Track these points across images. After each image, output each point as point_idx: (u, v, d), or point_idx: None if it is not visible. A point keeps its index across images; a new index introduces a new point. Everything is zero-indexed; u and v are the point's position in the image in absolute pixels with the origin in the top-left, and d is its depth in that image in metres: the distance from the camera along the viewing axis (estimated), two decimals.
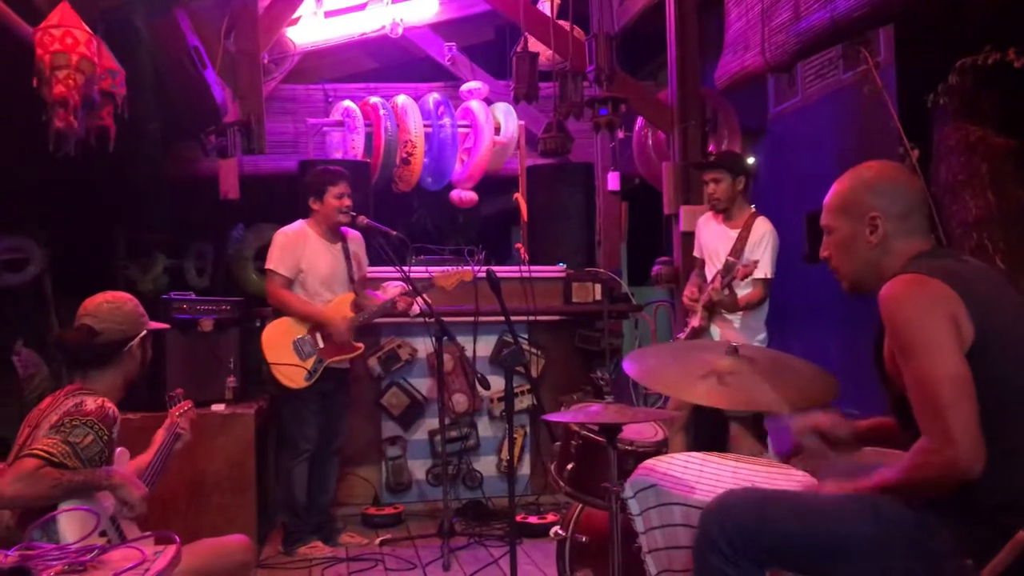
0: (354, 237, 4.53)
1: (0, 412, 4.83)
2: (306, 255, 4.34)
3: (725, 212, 4.53)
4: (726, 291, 4.35)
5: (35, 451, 2.37)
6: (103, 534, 2.42)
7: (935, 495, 1.87)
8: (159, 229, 6.47)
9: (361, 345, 4.41)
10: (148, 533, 2.47)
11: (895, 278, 1.97)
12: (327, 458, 4.49)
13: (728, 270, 4.36)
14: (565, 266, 5.60)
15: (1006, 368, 1.88)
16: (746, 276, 4.21)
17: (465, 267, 4.59)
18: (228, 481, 4.20)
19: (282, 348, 4.25)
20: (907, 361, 1.89)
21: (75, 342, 2.68)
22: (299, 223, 4.42)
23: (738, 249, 4.40)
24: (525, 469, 5.36)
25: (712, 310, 4.45)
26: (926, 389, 1.84)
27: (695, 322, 4.47)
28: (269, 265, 4.33)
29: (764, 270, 4.33)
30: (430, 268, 4.58)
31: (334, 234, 4.43)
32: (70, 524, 2.32)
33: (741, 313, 4.43)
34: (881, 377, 2.07)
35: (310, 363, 4.26)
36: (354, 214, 4.36)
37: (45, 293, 5.80)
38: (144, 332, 2.78)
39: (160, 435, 2.87)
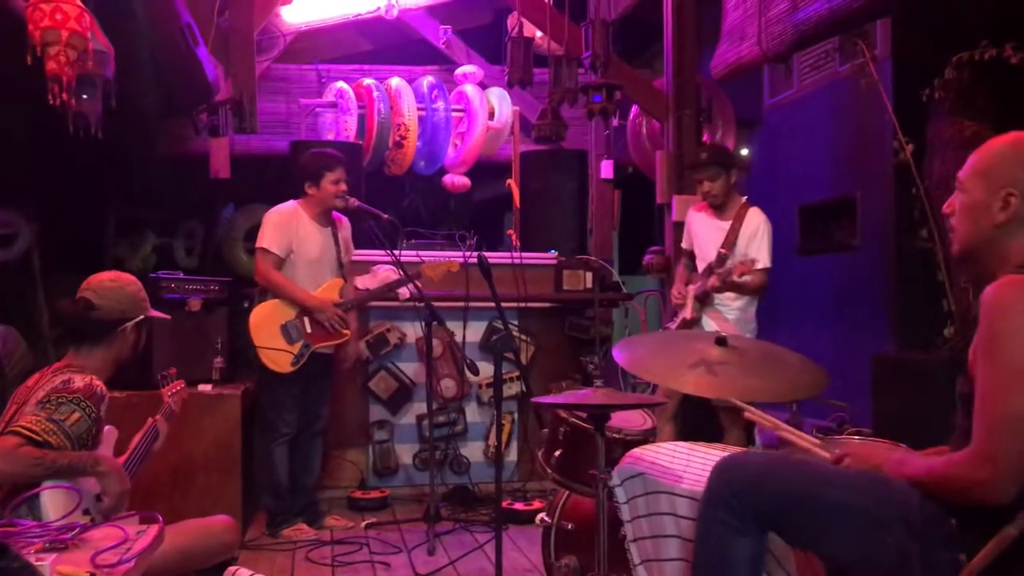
0: (343, 224, 4.51)
1: None
2: (298, 236, 4.31)
3: (718, 206, 4.51)
4: (712, 289, 4.34)
5: (16, 428, 2.35)
6: (86, 512, 2.40)
7: (947, 500, 1.80)
8: (149, 208, 6.43)
9: (348, 332, 4.38)
10: (132, 512, 2.45)
11: (1011, 278, 1.78)
12: (309, 440, 4.47)
13: (721, 262, 4.34)
14: (556, 253, 5.60)
15: None
16: (743, 274, 4.18)
17: (453, 257, 4.58)
18: (214, 462, 4.18)
19: (270, 331, 4.23)
20: (989, 372, 1.75)
21: (71, 313, 2.66)
22: (291, 203, 4.39)
23: (730, 241, 4.39)
24: (512, 455, 5.36)
25: (704, 301, 4.44)
26: (996, 410, 1.71)
27: (687, 314, 4.46)
28: (261, 243, 4.29)
29: (763, 260, 4.32)
30: (421, 252, 4.56)
31: (326, 218, 4.40)
32: (53, 502, 2.30)
33: (735, 305, 4.41)
34: (963, 376, 1.93)
35: (297, 348, 4.24)
36: (347, 196, 4.33)
37: (33, 269, 5.76)
38: (141, 317, 2.76)
39: (137, 438, 2.84)
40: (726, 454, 2.52)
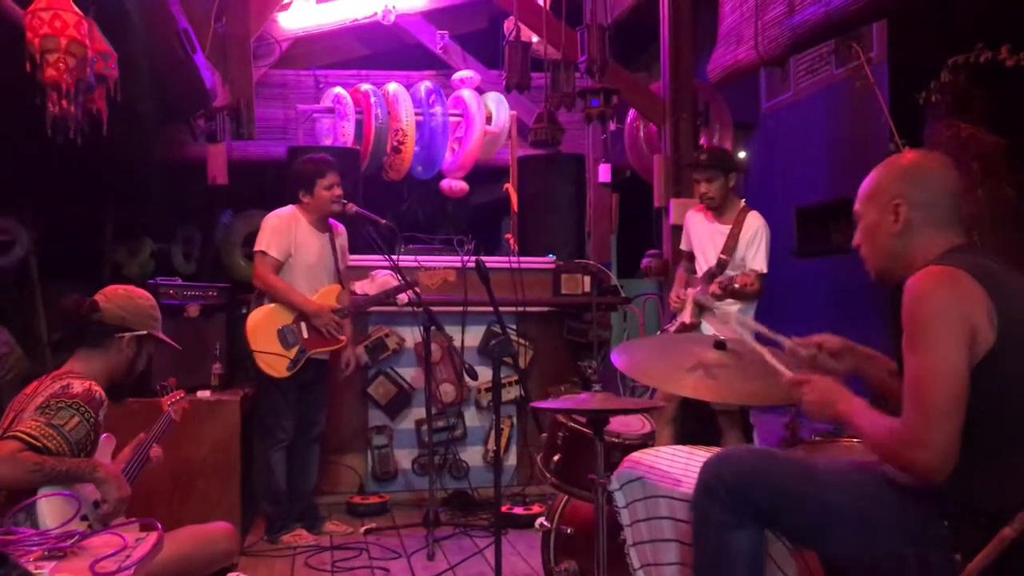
0: (340, 230, 4.51)
1: None
2: (296, 241, 4.30)
3: (716, 209, 4.51)
4: (714, 298, 4.34)
5: (16, 433, 2.35)
6: (84, 519, 2.40)
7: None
8: (147, 213, 6.43)
9: (344, 338, 4.38)
10: (131, 519, 2.45)
11: (926, 268, 1.90)
12: (307, 446, 4.46)
13: (721, 268, 4.35)
14: (555, 257, 5.59)
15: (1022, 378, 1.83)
16: (744, 286, 4.17)
17: (451, 262, 4.57)
18: (212, 468, 4.18)
19: (266, 336, 4.22)
20: (911, 355, 1.84)
21: (73, 310, 2.67)
22: (290, 208, 4.38)
23: (730, 246, 4.39)
24: (511, 460, 5.35)
25: (704, 306, 4.43)
26: (921, 389, 1.81)
27: (685, 318, 4.46)
28: (260, 247, 4.27)
29: (761, 267, 4.32)
30: (419, 257, 4.56)
31: (323, 224, 4.40)
32: (51, 509, 2.30)
33: (733, 309, 4.41)
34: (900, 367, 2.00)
35: (293, 352, 4.23)
36: (344, 202, 4.33)
37: (31, 276, 5.76)
38: (143, 332, 2.75)
39: (127, 452, 2.84)
40: None
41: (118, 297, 2.73)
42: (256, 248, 4.31)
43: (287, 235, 4.28)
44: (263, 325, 4.23)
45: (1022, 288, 1.91)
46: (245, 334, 4.23)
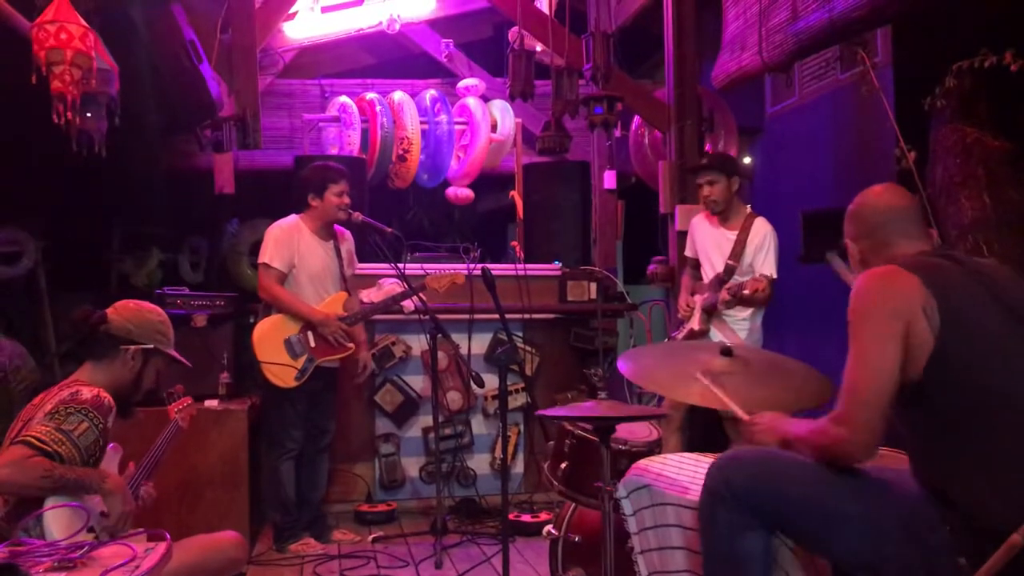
0: (345, 236, 4.52)
1: None
2: (300, 250, 4.32)
3: (721, 214, 4.51)
4: (723, 305, 4.33)
5: (27, 438, 2.36)
6: (91, 530, 2.40)
7: (825, 463, 2.00)
8: (154, 223, 6.44)
9: (352, 345, 4.39)
10: (140, 530, 2.46)
11: (871, 270, 2.05)
12: (316, 455, 4.47)
13: (729, 274, 4.34)
14: (561, 264, 5.60)
15: (972, 362, 1.89)
16: (755, 291, 4.16)
17: (458, 270, 4.58)
18: (220, 477, 4.19)
19: (273, 346, 4.23)
20: (851, 349, 1.98)
21: (80, 320, 2.69)
22: (292, 218, 4.40)
23: (737, 252, 4.39)
24: (519, 467, 5.35)
25: (711, 313, 4.43)
26: (851, 377, 1.95)
27: (694, 325, 4.46)
28: (263, 259, 4.30)
29: (771, 270, 4.32)
30: (425, 265, 4.57)
31: (327, 231, 4.42)
32: (57, 521, 2.31)
33: (741, 316, 4.41)
34: None
35: (301, 362, 4.24)
36: (350, 211, 4.34)
37: (39, 286, 5.77)
38: (150, 346, 2.76)
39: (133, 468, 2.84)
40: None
41: (127, 311, 2.75)
42: (259, 260, 4.33)
43: (289, 246, 4.30)
44: (269, 336, 4.25)
45: (965, 281, 1.98)
46: (252, 346, 4.24)
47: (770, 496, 2.02)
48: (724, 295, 4.30)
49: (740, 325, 4.41)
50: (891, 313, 1.91)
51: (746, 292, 4.16)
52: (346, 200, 4.33)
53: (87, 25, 3.49)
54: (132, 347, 2.71)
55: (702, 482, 2.32)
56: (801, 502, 2.00)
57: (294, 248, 4.31)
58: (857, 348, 1.96)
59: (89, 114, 3.76)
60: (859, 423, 1.91)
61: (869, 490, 1.97)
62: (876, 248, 2.15)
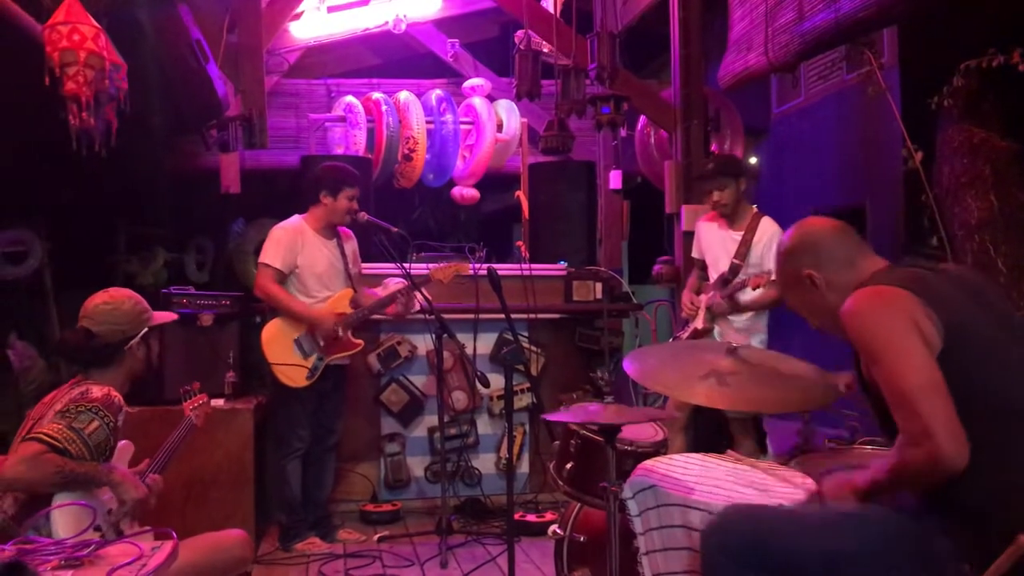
0: (349, 236, 4.53)
1: None
2: (304, 251, 4.33)
3: (728, 216, 4.50)
4: (726, 302, 4.33)
5: (38, 435, 2.38)
6: (97, 528, 2.41)
7: (923, 490, 1.91)
8: (160, 223, 6.45)
9: (361, 342, 4.40)
10: (146, 528, 2.46)
11: (854, 293, 2.04)
12: (323, 455, 4.48)
13: (734, 273, 4.34)
14: (566, 264, 5.60)
15: (972, 368, 1.89)
16: (758, 287, 4.16)
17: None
18: (226, 476, 4.19)
19: (283, 347, 4.24)
20: (877, 366, 1.93)
21: (73, 344, 2.68)
22: (296, 219, 4.41)
23: (743, 251, 4.38)
24: (524, 467, 5.35)
25: (716, 312, 4.43)
26: (898, 388, 1.87)
27: (698, 324, 4.46)
28: (263, 259, 4.31)
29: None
30: (430, 265, 4.57)
31: (330, 231, 4.42)
32: (63, 519, 2.32)
33: (745, 315, 4.41)
34: (865, 393, 2.09)
35: (311, 361, 4.25)
36: (356, 212, 4.35)
37: (45, 286, 5.79)
38: (145, 330, 2.77)
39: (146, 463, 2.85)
40: (738, 468, 2.52)
41: (104, 313, 2.69)
42: (260, 260, 4.34)
43: (292, 247, 4.31)
44: (277, 337, 4.26)
45: (951, 290, 2.00)
46: (261, 348, 4.25)
47: (779, 554, 1.98)
48: (719, 299, 4.30)
49: (744, 325, 4.40)
50: (903, 315, 1.91)
51: (751, 287, 4.17)
52: (355, 206, 4.34)
53: (99, 26, 3.49)
54: (133, 342, 2.73)
55: (708, 483, 2.33)
56: (814, 554, 1.96)
57: (297, 249, 4.31)
58: (890, 357, 1.90)
59: (103, 109, 3.76)
60: (939, 428, 1.80)
61: (860, 520, 1.95)
62: (840, 269, 2.15)
